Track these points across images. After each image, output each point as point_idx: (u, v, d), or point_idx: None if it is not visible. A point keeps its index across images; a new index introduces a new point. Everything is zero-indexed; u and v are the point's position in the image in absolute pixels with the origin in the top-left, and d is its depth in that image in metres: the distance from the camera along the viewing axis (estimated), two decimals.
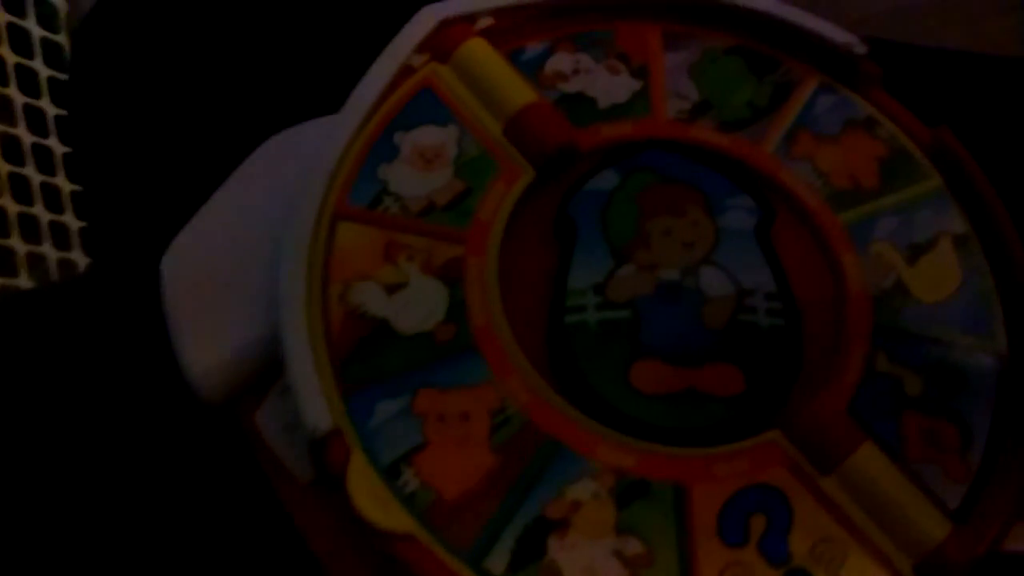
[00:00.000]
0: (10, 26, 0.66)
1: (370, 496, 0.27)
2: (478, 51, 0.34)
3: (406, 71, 0.34)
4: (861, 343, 0.31)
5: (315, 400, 0.28)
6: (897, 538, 0.28)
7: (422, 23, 0.34)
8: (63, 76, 0.68)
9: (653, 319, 0.31)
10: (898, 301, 0.32)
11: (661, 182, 0.34)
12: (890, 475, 0.29)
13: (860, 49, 0.36)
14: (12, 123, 0.65)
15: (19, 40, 0.67)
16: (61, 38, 0.70)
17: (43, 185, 0.67)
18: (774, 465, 0.29)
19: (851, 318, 0.32)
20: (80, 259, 0.69)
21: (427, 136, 0.34)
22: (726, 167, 0.34)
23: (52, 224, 0.67)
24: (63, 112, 0.68)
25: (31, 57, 0.67)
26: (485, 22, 0.35)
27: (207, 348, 0.31)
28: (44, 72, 0.68)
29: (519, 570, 0.27)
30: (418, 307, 0.31)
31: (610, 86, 0.35)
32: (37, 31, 0.68)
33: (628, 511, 0.28)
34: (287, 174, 0.34)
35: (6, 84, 0.65)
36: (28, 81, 0.67)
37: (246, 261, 0.32)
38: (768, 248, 0.33)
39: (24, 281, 0.63)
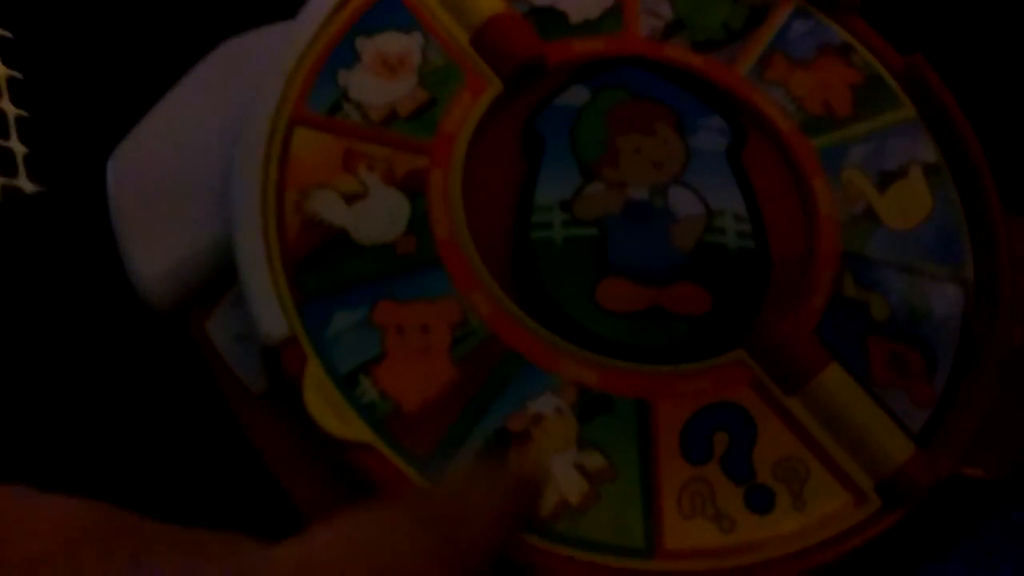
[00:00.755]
0: None
1: (327, 405, 0.26)
2: None
3: None
4: (829, 267, 0.31)
5: (270, 306, 0.27)
6: (860, 458, 0.28)
7: None
8: None
9: (621, 237, 0.30)
10: (867, 227, 0.32)
11: (632, 99, 0.33)
12: (855, 396, 0.28)
13: None
14: None
15: None
16: None
17: None
18: (739, 384, 0.28)
19: (820, 242, 0.31)
20: (27, 186, 0.66)
21: (390, 43, 0.32)
22: (698, 87, 0.33)
23: None
24: (7, 34, 0.65)
25: None
26: None
27: (155, 254, 0.30)
28: None
29: None
30: (378, 218, 0.29)
31: (582, 1, 0.34)
32: None
33: (590, 426, 0.27)
34: (241, 79, 0.32)
35: None
36: None
37: (196, 165, 0.31)
38: (739, 170, 0.32)
39: None
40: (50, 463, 0.29)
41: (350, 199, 0.30)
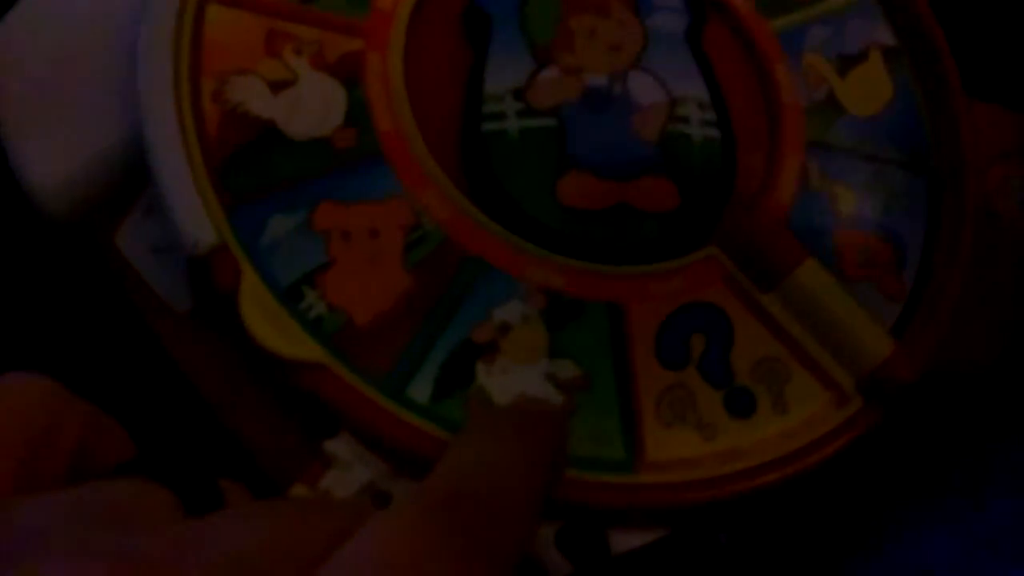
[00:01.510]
0: None
1: (269, 321, 0.23)
2: None
3: None
4: (795, 156, 0.29)
5: (194, 211, 0.23)
6: (840, 356, 0.26)
7: None
8: None
9: (580, 128, 0.28)
10: (830, 115, 0.30)
11: None
12: (832, 291, 0.27)
13: None
14: None
15: None
16: None
17: None
18: (713, 283, 0.27)
19: (784, 131, 0.29)
20: None
21: None
22: None
23: None
24: None
25: None
26: None
27: (51, 158, 0.25)
28: None
29: (445, 397, 0.23)
30: (311, 108, 0.26)
31: None
32: None
33: (562, 333, 0.25)
34: None
35: None
36: None
37: (90, 50, 0.27)
38: (699, 54, 0.30)
39: None
40: None
41: (276, 87, 0.26)
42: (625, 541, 0.23)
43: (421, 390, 0.23)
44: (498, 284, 0.25)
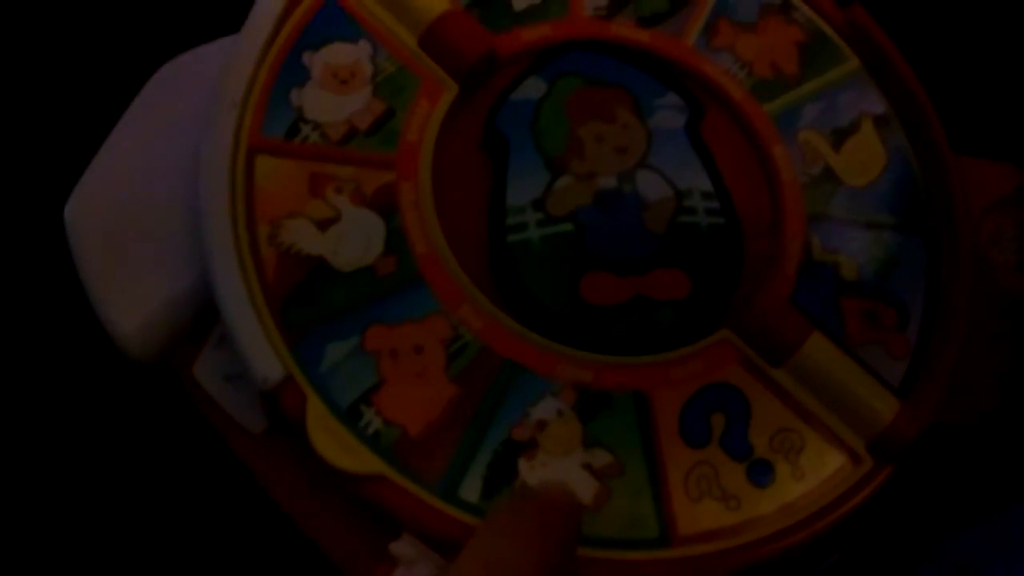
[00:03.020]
0: None
1: (333, 441, 0.26)
2: None
3: None
4: (797, 233, 0.31)
5: (262, 349, 0.27)
6: (850, 421, 0.29)
7: None
8: None
9: (596, 229, 0.31)
10: (828, 188, 0.33)
11: (587, 86, 0.33)
12: (838, 361, 0.29)
13: None
14: None
15: None
16: None
17: None
18: (728, 363, 0.29)
19: (786, 208, 0.32)
20: None
21: (338, 54, 0.32)
22: (651, 65, 0.33)
23: None
24: None
25: None
26: None
27: (131, 304, 0.29)
28: None
29: (494, 494, 0.26)
30: (354, 241, 0.29)
31: None
32: None
33: (593, 424, 0.28)
34: (188, 103, 0.31)
35: None
36: None
37: (157, 204, 0.30)
38: (700, 146, 0.32)
39: None
40: (61, 538, 0.29)
41: (323, 225, 0.29)
42: None
43: (471, 490, 0.26)
44: (532, 384, 0.28)
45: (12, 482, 0.29)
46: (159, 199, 0.30)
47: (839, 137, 0.34)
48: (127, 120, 0.32)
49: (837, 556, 0.28)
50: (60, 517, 0.29)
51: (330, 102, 0.31)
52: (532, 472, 0.27)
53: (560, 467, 0.27)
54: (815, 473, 0.28)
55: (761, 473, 0.28)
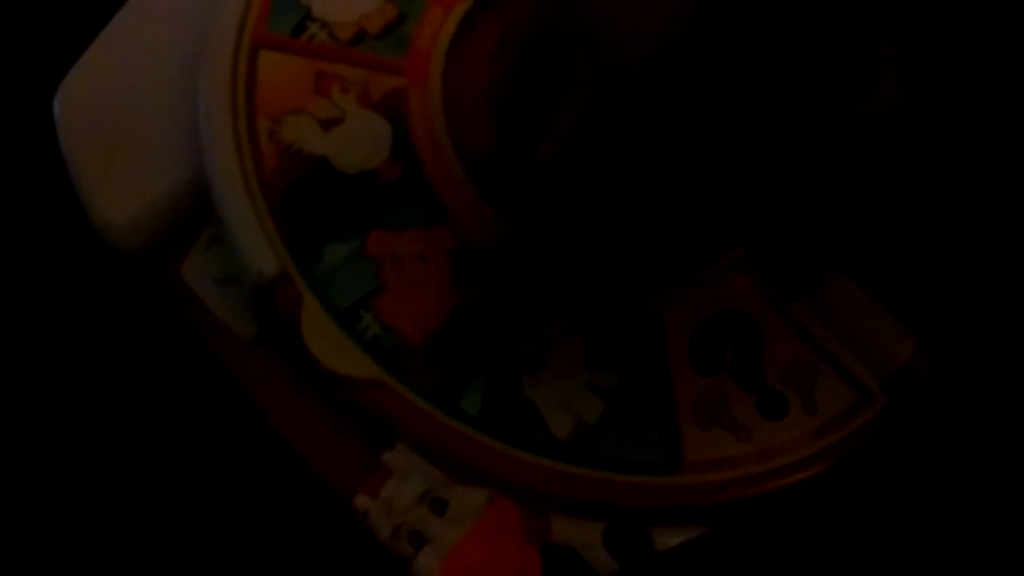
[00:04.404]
0: None
1: (328, 343, 0.25)
2: None
3: None
4: None
5: (258, 244, 0.25)
6: (865, 357, 0.28)
7: None
8: None
9: None
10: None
11: None
12: (856, 298, 0.28)
13: None
14: None
15: None
16: None
17: None
18: (743, 291, 0.28)
19: None
20: None
21: None
22: None
23: None
24: None
25: None
26: None
27: (120, 198, 0.28)
28: None
29: (494, 408, 0.25)
30: (360, 143, 0.28)
31: None
32: None
33: (600, 344, 0.26)
34: (188, 3, 0.30)
35: None
36: None
37: (151, 98, 0.29)
38: None
39: None
40: (34, 424, 0.27)
41: (327, 125, 0.28)
42: (667, 539, 0.25)
43: (471, 402, 0.25)
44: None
45: None
46: (155, 92, 0.29)
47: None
48: (127, 10, 0.30)
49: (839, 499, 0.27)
50: (40, 419, 0.27)
51: (340, 2, 0.29)
52: (535, 389, 0.26)
53: (565, 385, 0.26)
54: (827, 408, 0.27)
55: (772, 405, 0.27)
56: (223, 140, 0.26)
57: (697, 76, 0.21)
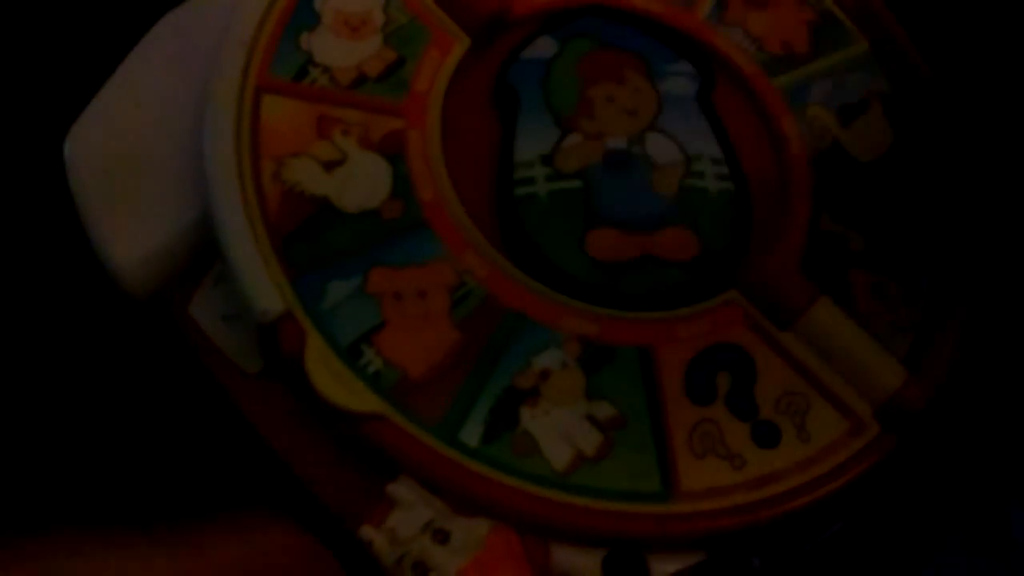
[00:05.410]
0: None
1: (332, 378, 0.25)
2: None
3: None
4: (805, 203, 0.31)
5: (262, 283, 0.26)
6: (857, 387, 0.28)
7: None
8: None
9: (604, 188, 0.30)
10: (836, 161, 0.32)
11: (599, 49, 0.33)
12: (846, 327, 0.29)
13: None
14: None
15: None
16: None
17: None
18: (735, 324, 0.29)
19: (794, 180, 0.32)
20: None
21: (350, 2, 0.31)
22: (663, 34, 0.33)
23: None
24: None
25: None
26: None
27: (129, 240, 0.28)
28: None
29: (494, 440, 0.26)
30: (360, 184, 0.29)
31: None
32: None
33: (596, 376, 0.27)
34: (194, 48, 0.31)
35: None
36: None
37: (158, 142, 0.30)
38: (711, 114, 0.32)
39: None
40: (44, 464, 0.28)
41: (329, 166, 0.29)
42: (665, 566, 0.25)
43: (471, 434, 0.26)
44: (536, 334, 0.27)
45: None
46: (162, 136, 0.30)
47: (847, 114, 0.33)
48: (132, 61, 0.31)
49: (840, 525, 0.28)
50: (49, 452, 0.28)
51: (341, 47, 0.30)
52: (534, 420, 0.26)
53: (562, 417, 0.26)
54: (821, 437, 0.28)
55: (766, 433, 0.27)
56: (228, 182, 0.27)
57: None
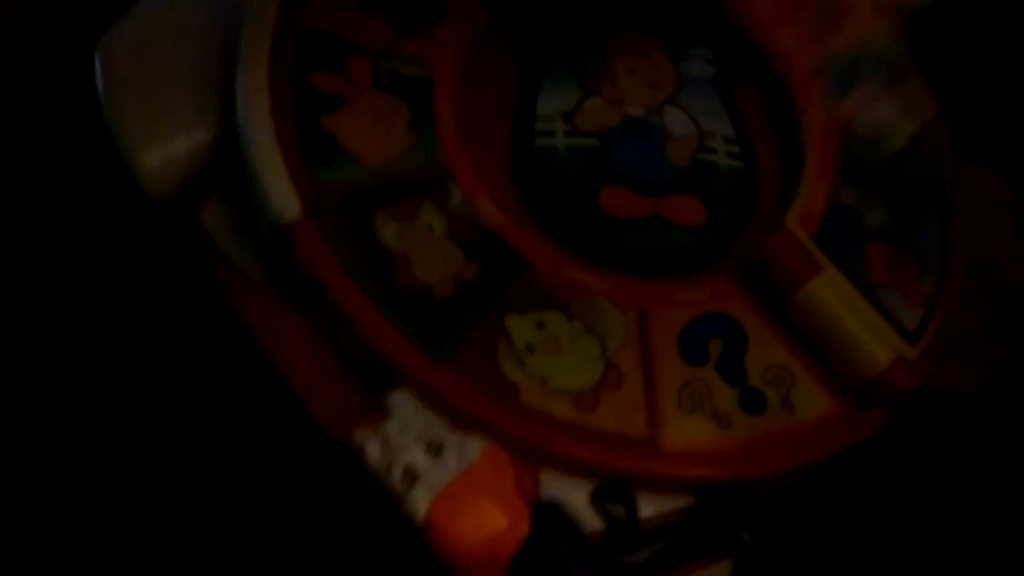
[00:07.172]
0: None
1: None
2: None
3: None
4: (826, 176, 0.32)
5: (281, 186, 0.26)
6: (844, 364, 0.29)
7: None
8: None
9: (621, 149, 0.31)
10: (859, 138, 0.33)
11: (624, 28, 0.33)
12: (843, 303, 0.29)
13: None
14: None
15: None
16: None
17: None
18: (731, 295, 0.29)
19: (812, 159, 0.32)
20: None
21: None
22: (688, 16, 0.34)
23: None
24: None
25: None
26: None
27: (154, 145, 0.29)
28: None
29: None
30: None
31: None
32: None
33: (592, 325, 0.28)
34: None
35: None
36: None
37: (190, 50, 0.30)
38: (727, 98, 0.33)
39: None
40: (47, 357, 0.28)
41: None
42: (652, 506, 0.26)
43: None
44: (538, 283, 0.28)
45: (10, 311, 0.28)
46: (193, 46, 0.30)
47: (873, 97, 0.34)
48: None
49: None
50: (53, 354, 0.28)
51: None
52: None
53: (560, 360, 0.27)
54: (804, 409, 0.28)
55: (752, 400, 0.28)
56: (258, 89, 0.28)
57: None
